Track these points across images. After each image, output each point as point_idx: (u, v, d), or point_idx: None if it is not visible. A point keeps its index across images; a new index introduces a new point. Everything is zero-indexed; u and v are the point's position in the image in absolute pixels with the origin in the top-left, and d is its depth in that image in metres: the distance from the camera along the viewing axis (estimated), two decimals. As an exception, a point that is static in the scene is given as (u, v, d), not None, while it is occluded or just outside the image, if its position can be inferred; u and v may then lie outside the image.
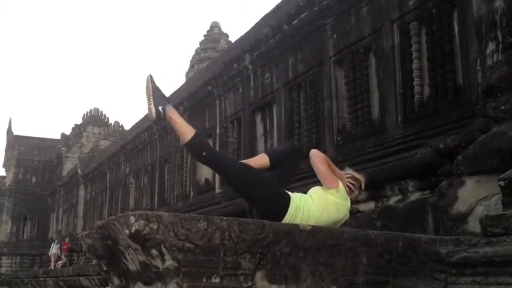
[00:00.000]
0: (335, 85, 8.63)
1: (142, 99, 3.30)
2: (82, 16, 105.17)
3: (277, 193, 3.30)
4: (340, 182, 3.44)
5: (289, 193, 3.35)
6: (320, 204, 3.33)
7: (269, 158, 3.44)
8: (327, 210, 3.31)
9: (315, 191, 3.49)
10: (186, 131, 3.37)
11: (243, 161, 3.46)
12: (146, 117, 17.65)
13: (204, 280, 2.47)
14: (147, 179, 16.91)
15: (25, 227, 31.72)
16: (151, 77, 3.32)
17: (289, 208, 3.23)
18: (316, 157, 3.47)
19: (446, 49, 6.71)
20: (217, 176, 12.16)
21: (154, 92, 3.28)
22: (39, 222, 31.58)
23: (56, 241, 24.64)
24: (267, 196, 3.28)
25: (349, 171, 3.63)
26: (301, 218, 3.21)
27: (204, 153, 3.37)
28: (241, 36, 12.12)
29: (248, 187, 3.34)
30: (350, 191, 3.51)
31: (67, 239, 23.98)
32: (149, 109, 3.28)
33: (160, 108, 3.26)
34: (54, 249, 23.63)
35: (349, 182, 3.53)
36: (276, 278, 2.61)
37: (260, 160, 3.44)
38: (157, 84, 3.32)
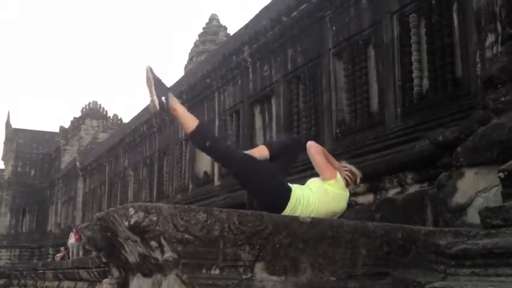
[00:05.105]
0: (334, 77, 8.61)
1: (144, 91, 3.23)
2: (80, 9, 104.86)
3: (278, 185, 3.31)
4: (338, 173, 3.45)
5: (290, 185, 3.35)
6: (319, 195, 3.33)
7: (269, 149, 3.43)
8: (326, 201, 3.33)
9: (313, 182, 3.49)
10: (190, 121, 3.36)
11: (246, 152, 3.44)
12: (146, 109, 17.66)
13: (204, 271, 2.47)
14: (146, 172, 16.91)
15: (24, 219, 31.74)
16: (150, 68, 3.28)
17: (290, 200, 3.24)
18: (313, 148, 3.48)
19: (446, 41, 6.69)
20: (216, 168, 12.15)
21: (156, 83, 3.22)
22: (38, 215, 31.60)
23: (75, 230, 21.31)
24: (269, 188, 3.28)
25: (346, 165, 3.64)
26: (301, 209, 3.22)
27: (207, 143, 3.36)
28: (240, 29, 12.06)
29: (250, 178, 3.34)
30: (347, 183, 3.52)
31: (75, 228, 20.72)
32: (152, 100, 3.21)
33: (163, 98, 3.22)
34: (72, 239, 20.18)
35: (347, 175, 3.54)
36: (275, 270, 2.62)
37: (260, 152, 3.43)
38: (158, 75, 3.28)
